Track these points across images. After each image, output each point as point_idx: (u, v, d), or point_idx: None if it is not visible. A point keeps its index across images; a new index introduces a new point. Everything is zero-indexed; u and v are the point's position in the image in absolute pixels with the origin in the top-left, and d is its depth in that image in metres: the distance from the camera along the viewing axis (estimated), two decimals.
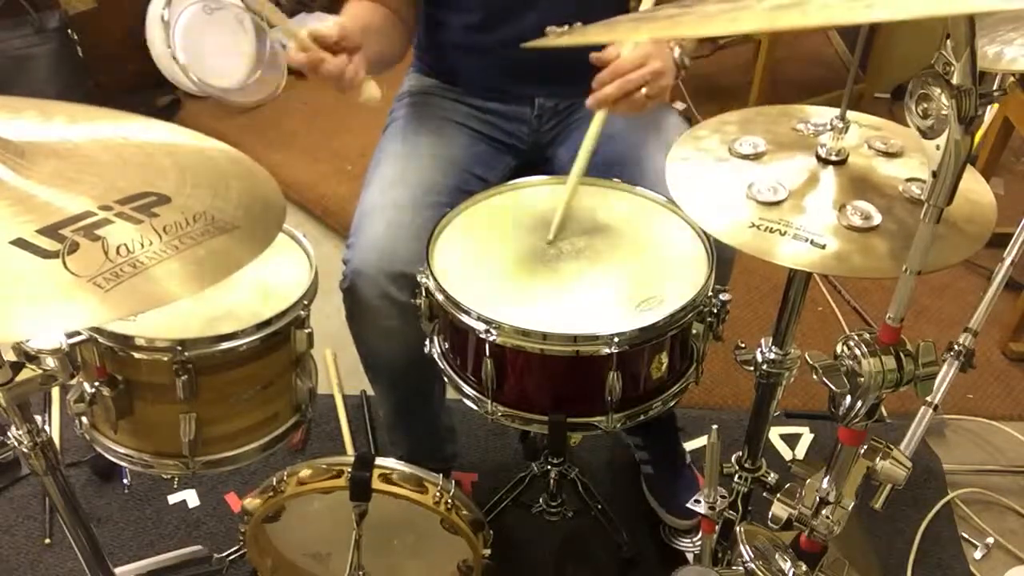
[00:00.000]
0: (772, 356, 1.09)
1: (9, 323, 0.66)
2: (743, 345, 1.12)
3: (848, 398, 0.83)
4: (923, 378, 0.81)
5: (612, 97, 1.17)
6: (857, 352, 0.80)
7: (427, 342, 1.21)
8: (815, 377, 0.83)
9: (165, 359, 1.04)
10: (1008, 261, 1.54)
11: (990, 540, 1.64)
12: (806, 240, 0.87)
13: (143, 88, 2.87)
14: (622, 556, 1.54)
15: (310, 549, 1.34)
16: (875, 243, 0.87)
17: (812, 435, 1.84)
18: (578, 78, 1.47)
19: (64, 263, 0.68)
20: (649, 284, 1.12)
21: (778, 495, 0.98)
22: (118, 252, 0.71)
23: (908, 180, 0.92)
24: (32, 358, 0.87)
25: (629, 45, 1.20)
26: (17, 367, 0.86)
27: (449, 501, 1.16)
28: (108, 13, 2.79)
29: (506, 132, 1.49)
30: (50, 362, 0.87)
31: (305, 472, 1.16)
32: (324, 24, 1.16)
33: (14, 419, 0.90)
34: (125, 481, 1.70)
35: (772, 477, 1.20)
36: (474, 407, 1.15)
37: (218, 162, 0.89)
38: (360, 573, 1.23)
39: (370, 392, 1.78)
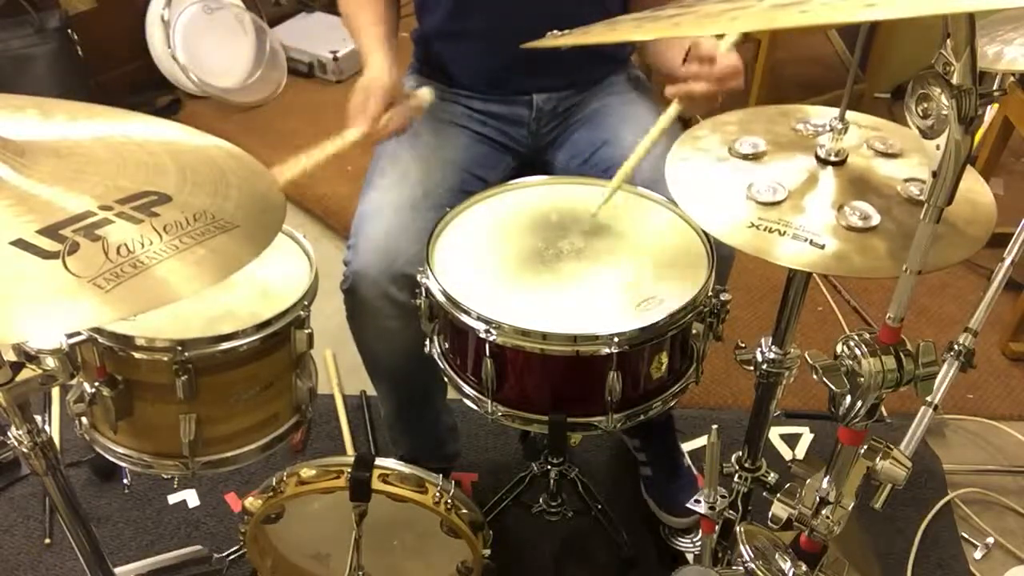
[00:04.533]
0: (772, 356, 1.09)
1: (9, 324, 0.65)
2: (743, 345, 1.12)
3: (848, 398, 0.83)
4: (923, 378, 0.81)
5: (697, 96, 1.14)
6: (857, 352, 0.80)
7: (427, 342, 1.21)
8: (815, 377, 0.83)
9: (165, 359, 1.03)
10: (1008, 261, 1.54)
11: (990, 540, 1.64)
12: (805, 240, 0.87)
13: (143, 88, 2.88)
14: (622, 556, 1.54)
15: (310, 549, 1.34)
16: (874, 243, 0.87)
17: (812, 435, 1.84)
18: (575, 73, 1.48)
19: (64, 264, 0.68)
20: (649, 284, 1.12)
21: (778, 495, 0.98)
22: (118, 252, 0.71)
23: (907, 180, 0.92)
24: (32, 358, 0.87)
25: (725, 43, 1.15)
26: (17, 367, 0.86)
27: (449, 501, 1.16)
28: (108, 13, 2.79)
29: (505, 134, 1.49)
30: (50, 362, 0.87)
31: (305, 472, 1.16)
32: (373, 105, 1.21)
33: (14, 419, 0.90)
34: (125, 481, 1.70)
35: (772, 477, 1.20)
36: (474, 407, 1.15)
37: (219, 161, 0.89)
38: (360, 573, 1.23)
39: (370, 392, 1.78)
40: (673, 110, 1.18)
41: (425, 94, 1.32)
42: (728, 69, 1.14)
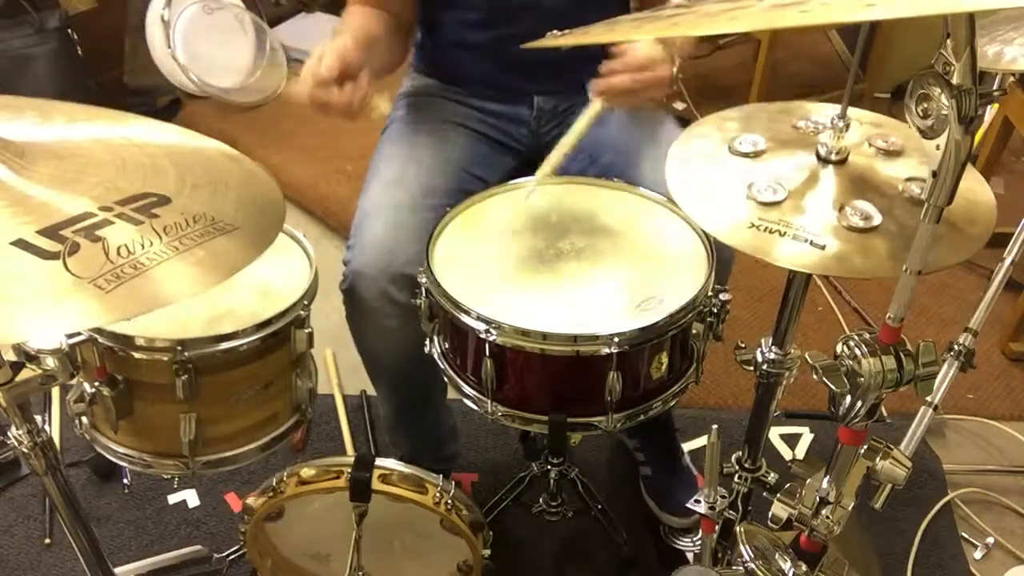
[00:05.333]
0: (772, 356, 1.09)
1: (9, 324, 0.66)
2: (743, 345, 1.12)
3: (848, 398, 0.83)
4: (923, 378, 0.81)
5: (617, 89, 1.15)
6: (857, 352, 0.80)
7: (427, 342, 1.21)
8: (815, 377, 0.83)
9: (165, 359, 1.04)
10: (1008, 261, 1.54)
11: (990, 540, 1.64)
12: (806, 240, 0.87)
13: (143, 88, 2.88)
14: (622, 556, 1.54)
15: (310, 549, 1.34)
16: (875, 243, 0.86)
17: (812, 435, 1.84)
18: (576, 75, 1.47)
19: (65, 264, 0.68)
20: (649, 284, 1.12)
21: (778, 495, 0.98)
22: (118, 253, 0.71)
23: (908, 179, 0.92)
24: (32, 358, 0.87)
25: (646, 41, 1.17)
26: (17, 367, 0.86)
27: (449, 501, 1.16)
28: (108, 13, 2.79)
29: (505, 133, 1.49)
30: (50, 362, 0.87)
31: (305, 472, 1.16)
32: (325, 64, 1.15)
33: (14, 419, 0.90)
34: (125, 481, 1.70)
35: (772, 477, 1.20)
36: (474, 407, 1.15)
37: (218, 162, 0.89)
38: (360, 573, 1.23)
39: (370, 392, 1.78)
40: (594, 108, 1.18)
41: (380, 102, 1.25)
42: (641, 59, 1.14)
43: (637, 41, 1.17)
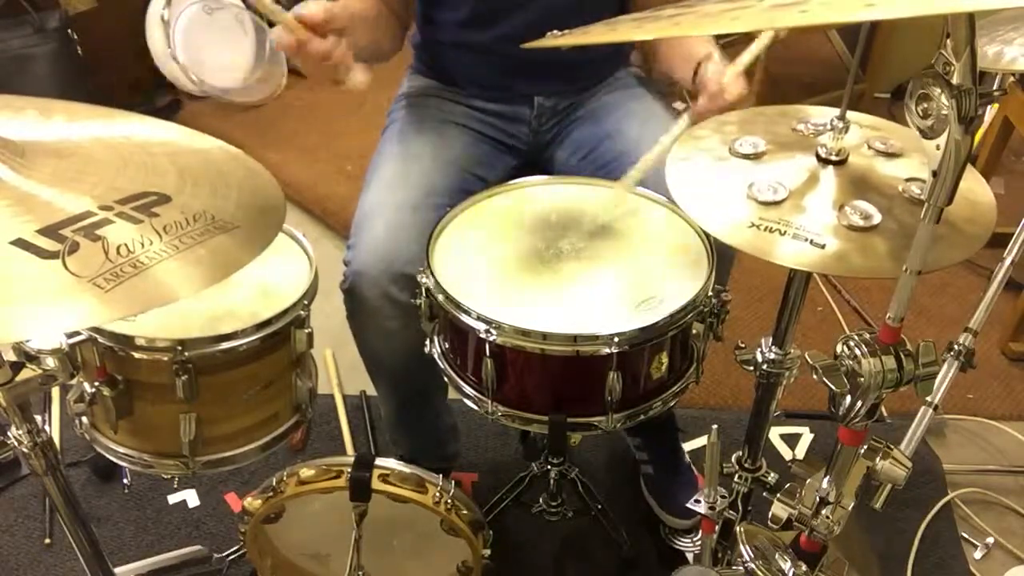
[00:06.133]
0: (772, 356, 1.09)
1: (9, 323, 0.66)
2: (743, 345, 1.12)
3: (848, 398, 0.83)
4: (923, 378, 0.81)
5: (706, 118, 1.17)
6: (857, 352, 0.80)
7: (427, 342, 1.21)
8: (815, 377, 0.83)
9: (165, 359, 1.03)
10: (1008, 261, 1.54)
11: (990, 540, 1.64)
12: (806, 240, 0.87)
13: (143, 88, 2.88)
14: (622, 556, 1.54)
15: (310, 549, 1.34)
16: (875, 243, 0.87)
17: (812, 435, 1.84)
18: (576, 76, 1.48)
19: (64, 263, 0.68)
20: (649, 284, 1.12)
21: (778, 495, 0.98)
22: (118, 252, 0.71)
23: (908, 180, 0.92)
24: (32, 358, 0.87)
25: (732, 71, 1.22)
26: (17, 367, 0.86)
27: (449, 501, 1.16)
28: (108, 13, 2.80)
29: (506, 133, 1.49)
30: (50, 362, 0.87)
31: (305, 472, 1.16)
32: (308, 6, 1.13)
33: (14, 419, 0.90)
34: (125, 481, 1.70)
35: (772, 477, 1.20)
36: (474, 407, 1.15)
37: (218, 161, 0.89)
38: (360, 573, 1.23)
39: (370, 392, 1.78)
40: (684, 123, 1.18)
41: (358, 73, 1.19)
42: (736, 100, 1.19)
43: (719, 66, 1.22)
